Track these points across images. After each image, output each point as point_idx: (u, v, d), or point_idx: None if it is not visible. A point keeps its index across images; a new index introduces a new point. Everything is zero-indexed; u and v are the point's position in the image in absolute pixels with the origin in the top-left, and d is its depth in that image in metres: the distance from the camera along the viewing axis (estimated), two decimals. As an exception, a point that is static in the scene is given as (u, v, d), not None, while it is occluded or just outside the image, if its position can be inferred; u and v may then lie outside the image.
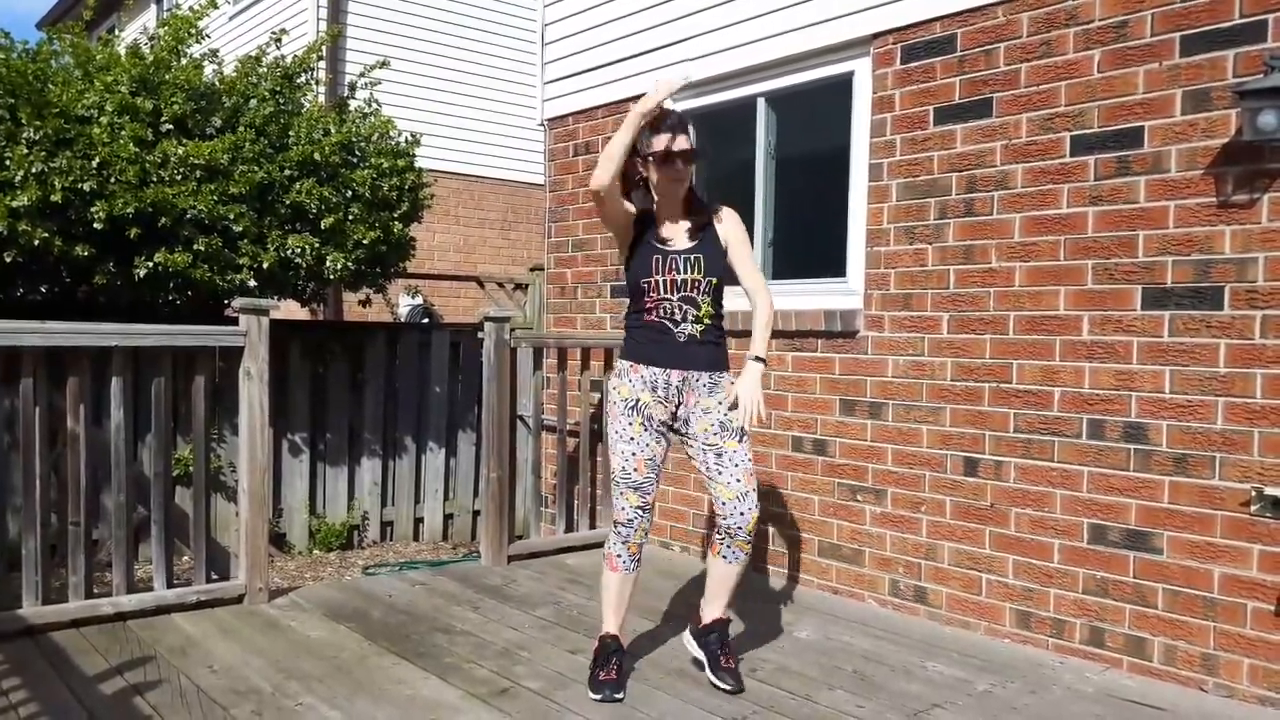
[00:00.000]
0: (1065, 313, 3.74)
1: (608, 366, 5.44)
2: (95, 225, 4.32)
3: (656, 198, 3.29)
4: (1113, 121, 3.61)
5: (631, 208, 3.31)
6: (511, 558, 5.00)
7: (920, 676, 3.48)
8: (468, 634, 3.84)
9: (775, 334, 4.77)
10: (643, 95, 3.18)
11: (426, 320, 9.68)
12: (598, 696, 3.18)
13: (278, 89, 5.16)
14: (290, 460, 5.53)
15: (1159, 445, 3.49)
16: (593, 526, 5.39)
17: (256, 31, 10.27)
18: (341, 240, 4.99)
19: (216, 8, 5.41)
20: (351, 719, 3.02)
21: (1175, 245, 3.46)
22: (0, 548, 4.14)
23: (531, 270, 7.23)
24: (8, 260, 4.30)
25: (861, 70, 4.45)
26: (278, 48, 5.49)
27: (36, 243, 4.24)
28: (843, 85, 4.56)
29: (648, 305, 3.28)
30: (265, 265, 4.73)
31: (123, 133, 4.41)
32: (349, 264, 5.01)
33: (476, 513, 6.00)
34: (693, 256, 3.24)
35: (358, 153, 5.25)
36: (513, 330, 5.02)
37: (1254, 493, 3.27)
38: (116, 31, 6.82)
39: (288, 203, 4.85)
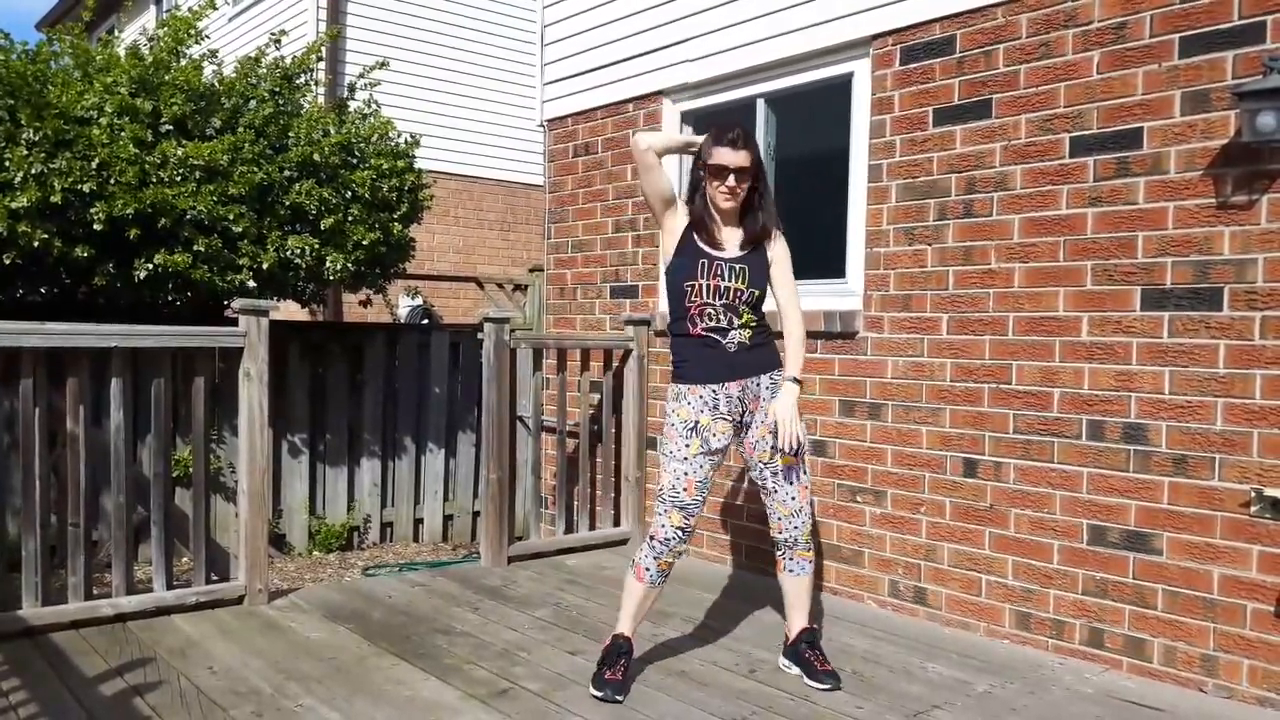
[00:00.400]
0: (1064, 314, 3.74)
1: (606, 367, 5.45)
2: (95, 226, 4.32)
3: (712, 206, 3.30)
4: (1112, 123, 3.61)
5: (675, 218, 3.34)
6: (511, 559, 5.01)
7: (920, 677, 3.48)
8: (467, 635, 3.84)
9: (775, 335, 4.77)
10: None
11: (426, 321, 9.68)
12: (600, 694, 3.17)
13: (277, 90, 5.16)
14: (290, 461, 5.53)
15: (1158, 446, 3.50)
16: (592, 528, 5.40)
17: (256, 32, 10.28)
18: (341, 241, 4.99)
19: (216, 9, 5.41)
20: (351, 720, 3.02)
21: (1174, 246, 3.46)
22: (0, 548, 4.14)
23: (531, 271, 7.24)
24: (7, 261, 4.30)
25: (861, 71, 4.45)
26: (277, 49, 5.49)
27: (36, 244, 4.24)
28: (842, 86, 4.56)
29: (691, 312, 3.28)
30: (265, 266, 4.73)
31: (122, 134, 4.41)
32: (348, 265, 5.01)
33: (476, 514, 6.00)
34: (738, 266, 3.26)
35: (357, 154, 5.26)
36: (512, 331, 5.02)
37: (1253, 494, 3.27)
38: (116, 32, 6.83)
39: (287, 204, 4.85)
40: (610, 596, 4.38)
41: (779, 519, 3.36)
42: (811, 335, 4.60)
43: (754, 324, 3.31)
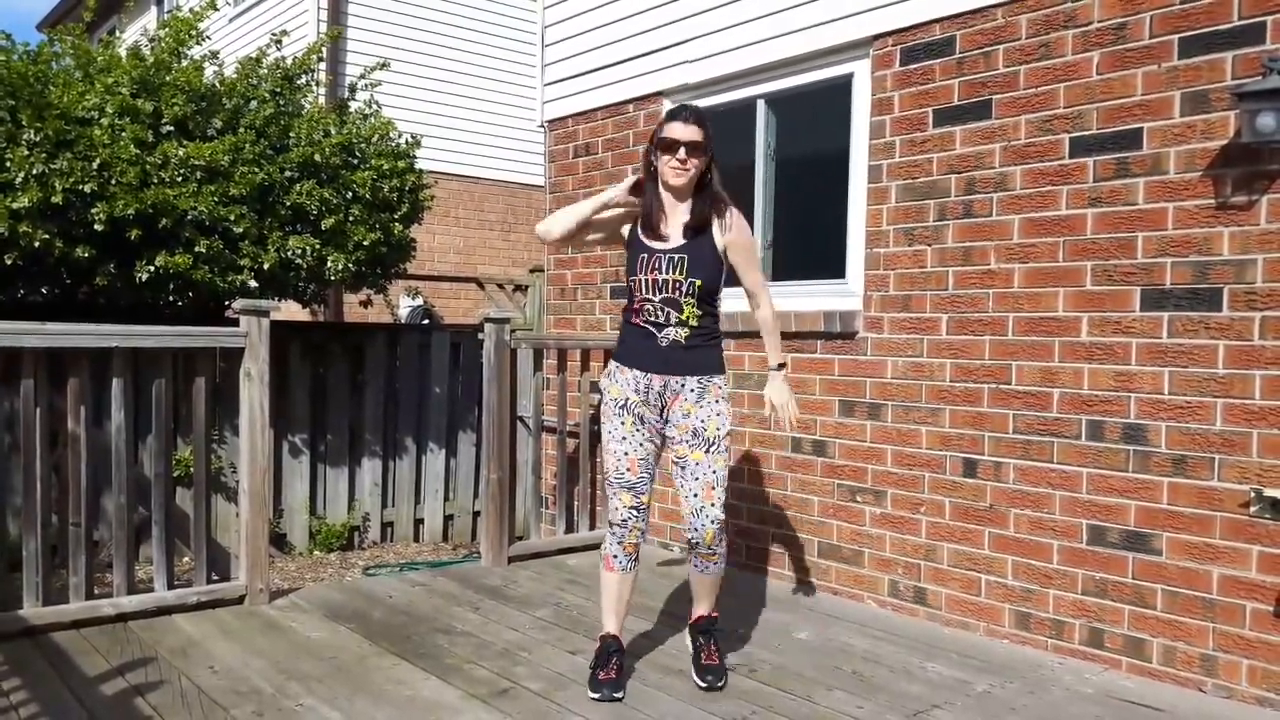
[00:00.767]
0: (1064, 314, 3.75)
1: (607, 368, 5.45)
2: (96, 227, 4.32)
3: (662, 191, 3.26)
4: (1112, 123, 3.61)
5: (621, 215, 3.33)
6: (512, 558, 5.01)
7: (919, 677, 3.48)
8: (468, 635, 3.85)
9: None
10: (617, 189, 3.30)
11: (427, 321, 9.69)
12: (596, 695, 3.18)
13: (278, 90, 5.17)
14: (291, 461, 5.54)
15: (1158, 446, 3.50)
16: (593, 527, 5.40)
17: (257, 33, 10.28)
18: (342, 241, 5.00)
19: (217, 9, 5.42)
20: (352, 720, 3.02)
21: (1174, 247, 3.46)
22: (1, 548, 4.15)
23: (531, 272, 7.24)
24: (8, 262, 4.31)
25: (861, 72, 4.46)
26: (278, 49, 5.50)
27: (37, 244, 4.24)
28: (842, 87, 4.57)
29: (635, 305, 3.28)
30: (266, 266, 4.74)
31: (123, 134, 4.41)
32: (349, 265, 5.02)
33: (477, 513, 6.00)
34: (676, 257, 3.19)
35: (358, 154, 5.26)
36: (513, 331, 5.03)
37: (1253, 494, 3.28)
38: (117, 33, 6.83)
39: (288, 204, 4.85)
40: (610, 596, 4.39)
41: (685, 515, 3.30)
42: (811, 335, 4.62)
43: (696, 320, 3.21)
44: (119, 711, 3.05)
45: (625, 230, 3.37)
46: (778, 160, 5.00)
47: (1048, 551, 3.79)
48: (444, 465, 6.09)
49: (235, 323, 4.14)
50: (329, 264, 4.93)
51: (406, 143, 5.54)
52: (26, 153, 4.18)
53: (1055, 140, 3.77)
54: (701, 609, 3.46)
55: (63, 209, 4.29)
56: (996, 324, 3.95)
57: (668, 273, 3.19)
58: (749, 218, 4.94)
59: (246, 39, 10.41)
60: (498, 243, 11.13)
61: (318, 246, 4.88)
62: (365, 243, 5.05)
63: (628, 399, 3.28)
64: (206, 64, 5.14)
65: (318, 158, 4.92)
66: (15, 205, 4.14)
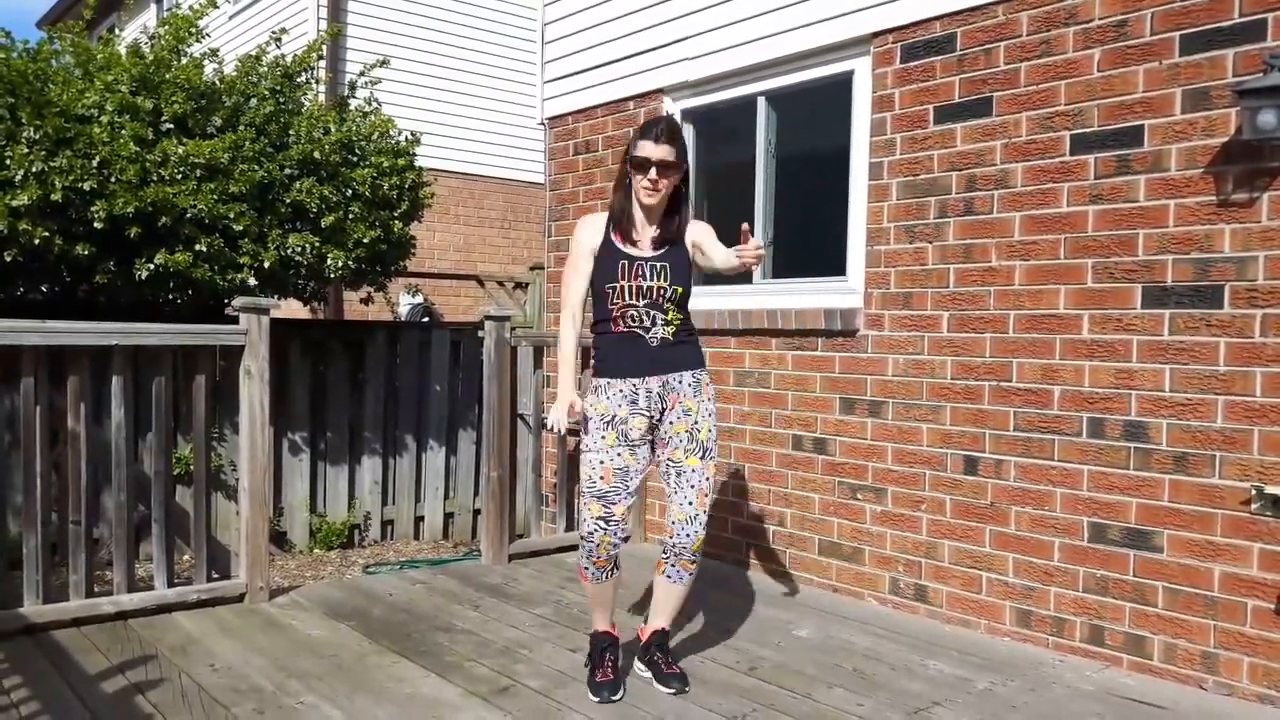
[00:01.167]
0: (1065, 311, 3.74)
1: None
2: (96, 224, 4.32)
3: (635, 204, 3.23)
4: (1112, 120, 3.61)
5: (591, 250, 3.25)
6: (512, 556, 5.01)
7: (920, 675, 3.48)
8: (468, 632, 3.85)
9: (775, 333, 4.78)
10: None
11: (427, 319, 9.69)
12: (597, 699, 3.16)
13: (278, 88, 5.16)
14: (291, 459, 5.54)
15: (1159, 444, 3.50)
16: (593, 525, 5.40)
17: (256, 31, 10.27)
18: (342, 239, 4.99)
19: (216, 7, 5.41)
20: (352, 717, 3.02)
21: (1175, 244, 3.46)
22: (1, 546, 4.15)
23: (532, 269, 7.24)
24: (8, 259, 4.30)
25: (861, 69, 4.45)
26: (278, 47, 5.49)
27: (37, 242, 4.24)
28: (843, 84, 4.56)
29: (614, 314, 3.22)
30: (266, 264, 4.74)
31: (123, 132, 4.41)
32: (349, 263, 5.01)
33: (477, 511, 6.00)
34: (659, 264, 3.19)
35: (358, 152, 5.26)
36: (513, 329, 5.02)
37: (1254, 491, 3.27)
38: (117, 31, 6.82)
39: (288, 202, 4.85)
40: (611, 594, 4.39)
41: (672, 523, 3.24)
42: (812, 333, 4.62)
43: (679, 321, 3.23)
44: (119, 709, 3.05)
45: (588, 264, 3.27)
46: (778, 158, 5.00)
47: (1049, 549, 3.79)
48: (444, 463, 6.08)
49: (235, 320, 4.14)
50: (329, 262, 4.92)
51: (406, 140, 5.53)
52: (26, 150, 4.18)
53: (1056, 137, 3.76)
54: (659, 623, 3.39)
55: (62, 207, 4.28)
56: (997, 321, 3.95)
57: (652, 279, 3.18)
58: (749, 215, 4.97)
59: (246, 36, 10.40)
60: (498, 240, 11.12)
61: (317, 244, 4.88)
62: (365, 240, 5.04)
63: (615, 415, 3.20)
64: (206, 62, 5.13)
65: (317, 155, 4.92)
66: (15, 203, 4.14)
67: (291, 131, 5.01)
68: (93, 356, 3.86)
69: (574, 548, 5.22)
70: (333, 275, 5.06)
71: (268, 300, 4.23)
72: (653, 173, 3.14)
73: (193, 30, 5.10)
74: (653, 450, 3.29)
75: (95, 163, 4.31)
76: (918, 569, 4.21)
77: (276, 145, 4.95)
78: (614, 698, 3.17)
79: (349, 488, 5.77)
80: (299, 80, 5.38)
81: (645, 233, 3.24)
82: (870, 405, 4.39)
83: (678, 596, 3.36)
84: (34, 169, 4.17)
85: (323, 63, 6.40)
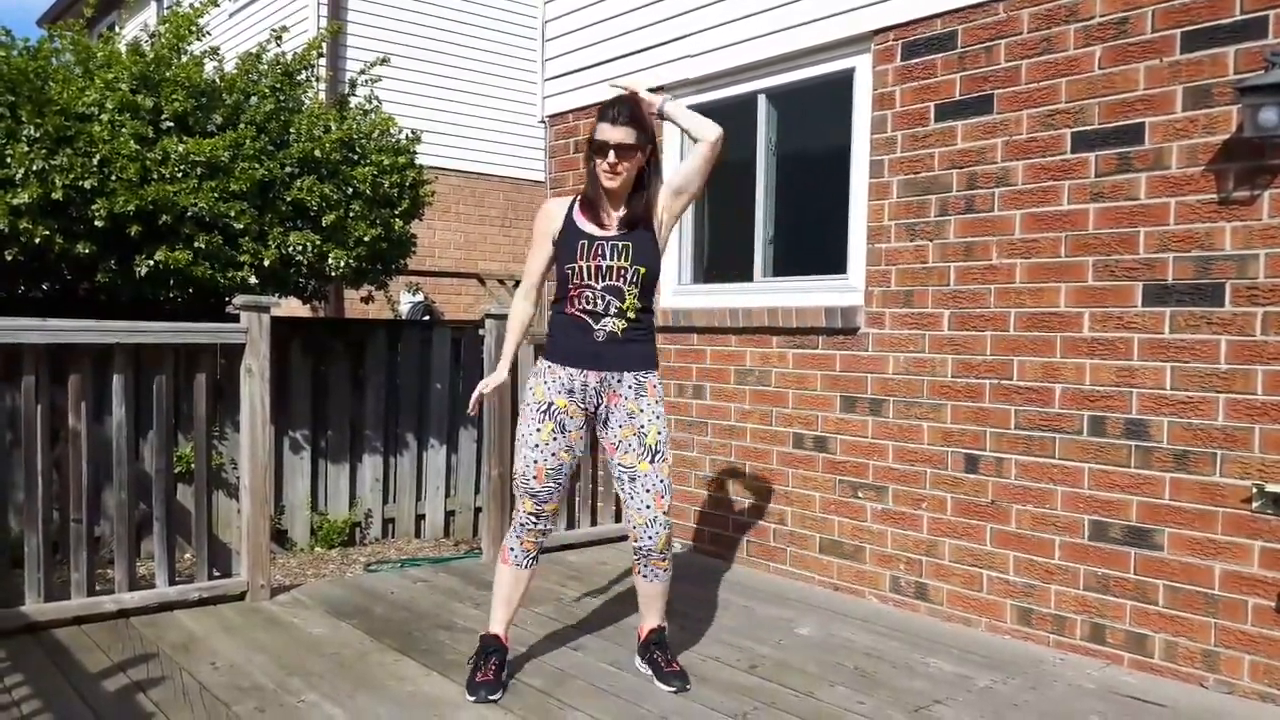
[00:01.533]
0: (1066, 309, 3.74)
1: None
2: (96, 223, 4.32)
3: (599, 183, 3.17)
4: (1113, 118, 3.61)
5: (550, 237, 3.25)
6: (513, 554, 5.00)
7: (921, 673, 3.48)
8: (470, 631, 3.85)
9: (776, 331, 4.78)
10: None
11: (427, 317, 9.68)
12: (473, 698, 3.10)
13: (278, 86, 5.15)
14: (292, 457, 5.53)
15: (1160, 442, 3.50)
16: (594, 523, 5.40)
17: (257, 29, 10.27)
18: (342, 237, 4.99)
19: (217, 5, 5.40)
20: (353, 715, 3.02)
21: (1176, 242, 3.46)
22: (2, 545, 4.15)
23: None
24: (9, 258, 4.30)
25: (862, 67, 4.45)
26: (278, 44, 5.48)
27: (38, 240, 4.24)
28: (844, 82, 4.56)
29: (571, 294, 3.16)
30: (266, 263, 4.73)
31: (123, 130, 4.40)
32: (350, 261, 5.01)
33: (478, 509, 6.00)
34: (620, 244, 3.13)
35: (358, 150, 5.25)
36: (514, 327, 5.00)
37: (1255, 489, 3.27)
38: (117, 29, 6.82)
39: (289, 200, 4.84)
40: (612, 592, 4.39)
41: (634, 527, 3.24)
42: (813, 331, 4.62)
43: (635, 313, 3.16)
44: (121, 707, 3.05)
45: (548, 247, 3.27)
46: (779, 155, 5.00)
47: (1049, 547, 3.79)
48: (445, 461, 6.08)
49: (236, 319, 4.14)
50: (329, 260, 4.92)
51: (407, 138, 5.53)
52: (27, 149, 4.18)
53: (1057, 135, 3.76)
54: (652, 621, 3.39)
55: (63, 205, 4.28)
56: (998, 319, 3.95)
57: (612, 259, 3.11)
58: (749, 213, 4.97)
59: (246, 34, 10.40)
60: (498, 238, 11.12)
61: (318, 242, 4.88)
62: (366, 239, 5.04)
63: (551, 403, 3.18)
64: (207, 60, 5.12)
65: (318, 153, 4.91)
66: (16, 201, 4.13)
67: (292, 130, 5.01)
68: (94, 355, 3.86)
69: (574, 546, 5.23)
70: (333, 274, 5.06)
71: (268, 298, 4.22)
72: (611, 156, 3.09)
73: (193, 28, 5.09)
74: (590, 443, 3.28)
75: (96, 161, 4.31)
76: (919, 567, 4.21)
77: (277, 143, 4.94)
78: (492, 697, 3.11)
79: (350, 486, 5.77)
80: (299, 78, 5.37)
81: (611, 213, 3.18)
82: (871, 403, 4.39)
83: (660, 593, 3.36)
84: (34, 167, 4.16)
85: (323, 61, 6.39)
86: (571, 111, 5.97)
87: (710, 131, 3.19)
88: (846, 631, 3.94)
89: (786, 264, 4.95)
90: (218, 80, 5.01)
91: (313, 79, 5.51)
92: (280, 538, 5.43)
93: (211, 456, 4.35)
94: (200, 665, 3.40)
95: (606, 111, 3.14)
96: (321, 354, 5.63)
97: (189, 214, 4.51)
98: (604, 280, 3.12)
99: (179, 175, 4.49)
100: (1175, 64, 3.45)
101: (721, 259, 5.32)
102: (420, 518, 6.03)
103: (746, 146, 5.02)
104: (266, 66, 5.26)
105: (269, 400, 4.19)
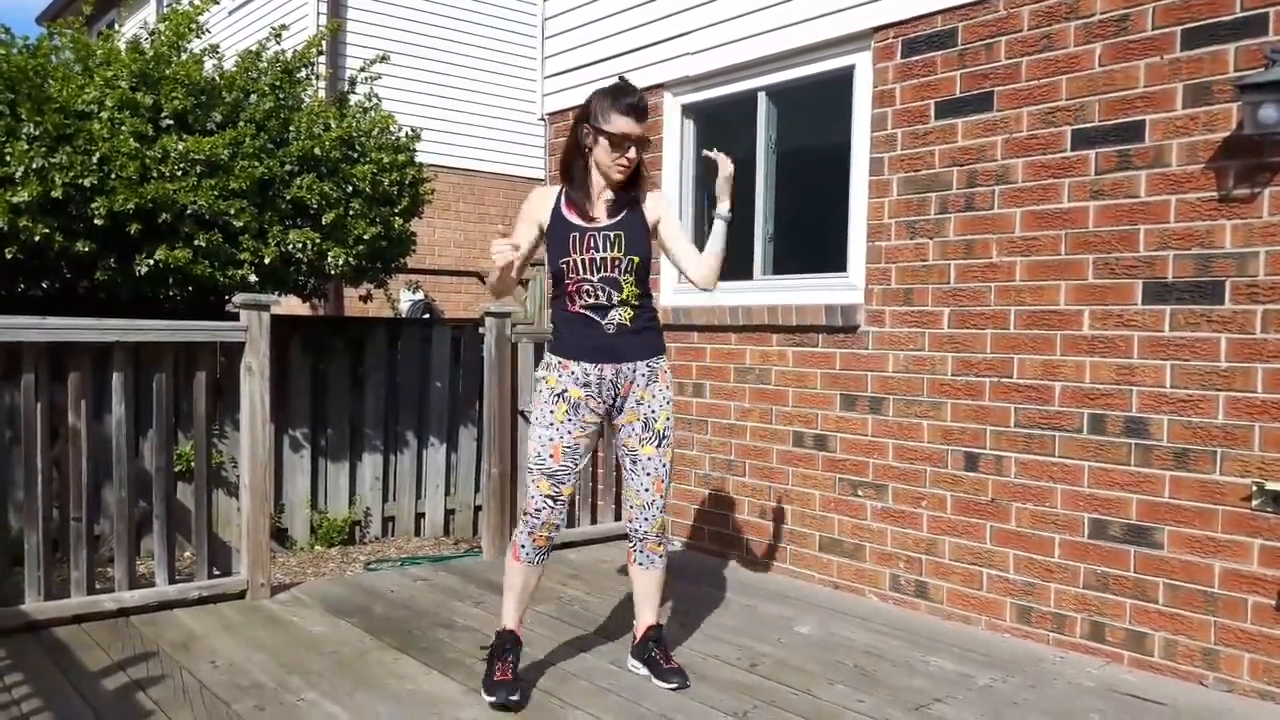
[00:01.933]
0: (1066, 307, 3.74)
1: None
2: (96, 221, 4.31)
3: (594, 174, 3.12)
4: (1114, 115, 3.60)
5: (538, 222, 3.15)
6: (513, 553, 5.00)
7: (921, 671, 3.48)
8: (470, 629, 3.85)
9: (776, 329, 4.78)
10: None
11: (427, 315, 9.68)
12: (493, 699, 3.03)
13: (278, 84, 5.15)
14: (291, 456, 5.53)
15: (1160, 440, 3.49)
16: (594, 522, 5.40)
17: (256, 27, 10.26)
18: (342, 235, 4.99)
19: (217, 3, 5.39)
20: (353, 714, 3.02)
21: (1176, 240, 3.45)
22: (2, 543, 4.15)
23: (532, 265, 7.22)
24: (8, 256, 4.30)
25: (862, 64, 4.45)
26: (278, 42, 5.48)
27: (37, 238, 4.23)
28: (844, 79, 4.55)
29: (569, 290, 3.10)
30: (266, 261, 4.73)
31: (123, 128, 4.40)
32: (350, 259, 5.00)
33: (478, 508, 6.00)
34: (613, 234, 3.07)
35: (358, 148, 5.24)
36: (514, 325, 5.02)
37: (1255, 487, 3.27)
38: (116, 27, 6.82)
39: (288, 198, 4.84)
40: (613, 590, 4.39)
41: (631, 508, 3.23)
42: (812, 329, 4.61)
43: (636, 301, 3.12)
44: (121, 706, 3.05)
45: (532, 237, 3.18)
46: (779, 153, 4.99)
47: (1049, 545, 3.79)
48: (445, 460, 6.08)
49: (235, 317, 4.14)
50: (329, 258, 4.92)
51: (407, 136, 5.52)
52: (26, 147, 4.17)
53: (1057, 133, 3.75)
54: (649, 617, 3.35)
55: (63, 203, 4.28)
56: (998, 317, 3.94)
57: (605, 250, 3.06)
58: (749, 211, 4.97)
59: (246, 32, 10.39)
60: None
61: (318, 240, 4.87)
62: (365, 237, 5.03)
63: (566, 390, 3.11)
64: (206, 58, 5.12)
65: (318, 151, 4.91)
66: (15, 199, 4.13)
67: (292, 128, 5.00)
68: (94, 353, 3.86)
69: (575, 544, 5.23)
70: (333, 272, 5.05)
71: (268, 297, 4.22)
72: (631, 151, 3.05)
73: (193, 26, 5.09)
74: (602, 431, 3.25)
75: (95, 159, 4.30)
76: (918, 565, 4.21)
77: (277, 141, 4.94)
78: (513, 698, 3.02)
79: (350, 484, 5.77)
80: (299, 76, 5.37)
81: (600, 203, 3.13)
82: (871, 401, 4.39)
83: (655, 583, 3.33)
84: (34, 165, 4.16)
85: (323, 58, 6.38)
86: (571, 109, 5.95)
87: (710, 281, 3.26)
88: (846, 630, 3.94)
89: (786, 262, 4.95)
90: (217, 78, 5.01)
91: (312, 77, 5.51)
92: (280, 536, 5.43)
93: (211, 455, 4.35)
94: (200, 664, 3.40)
95: (621, 100, 3.05)
96: (321, 352, 5.63)
97: (188, 212, 4.50)
98: (600, 272, 3.07)
99: (178, 173, 4.49)
100: (1175, 61, 3.45)
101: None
102: (420, 516, 6.03)
103: (746, 144, 5.02)
104: (266, 64, 5.25)
105: (269, 398, 4.19)
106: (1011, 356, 3.90)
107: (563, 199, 3.17)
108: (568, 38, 5.94)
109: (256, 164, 4.69)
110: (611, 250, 3.07)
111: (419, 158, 5.57)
